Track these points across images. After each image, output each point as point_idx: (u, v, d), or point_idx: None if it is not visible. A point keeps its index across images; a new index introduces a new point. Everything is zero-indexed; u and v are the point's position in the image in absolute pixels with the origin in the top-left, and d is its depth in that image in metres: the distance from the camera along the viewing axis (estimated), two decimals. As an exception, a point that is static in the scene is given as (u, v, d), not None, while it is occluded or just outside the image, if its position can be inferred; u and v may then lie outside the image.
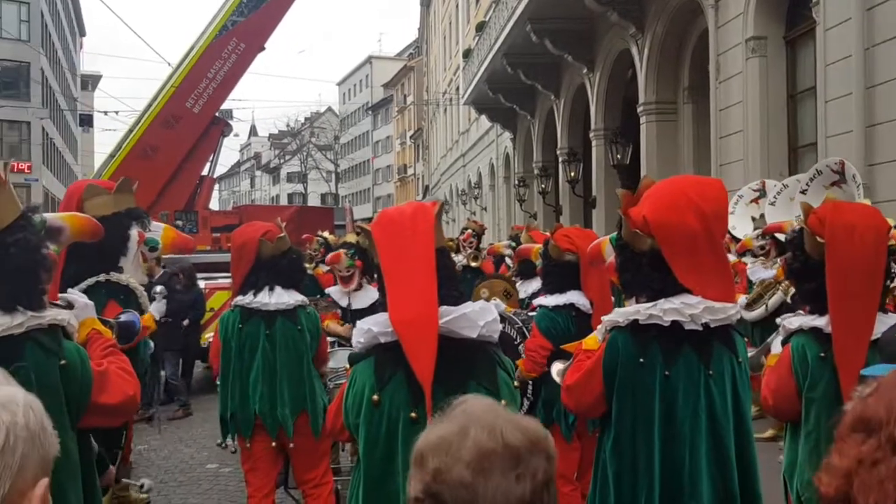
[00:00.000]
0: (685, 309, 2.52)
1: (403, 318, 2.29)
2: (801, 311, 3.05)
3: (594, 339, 2.81)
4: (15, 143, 40.04)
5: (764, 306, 6.60)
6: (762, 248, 7.22)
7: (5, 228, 2.13)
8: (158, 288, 4.81)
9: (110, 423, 2.67)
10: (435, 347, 2.24)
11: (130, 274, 4.27)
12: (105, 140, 60.26)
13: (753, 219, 8.07)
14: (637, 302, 2.65)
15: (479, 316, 2.36)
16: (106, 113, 29.50)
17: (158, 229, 4.77)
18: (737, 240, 7.74)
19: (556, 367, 3.41)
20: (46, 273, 2.31)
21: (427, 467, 1.11)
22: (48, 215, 2.75)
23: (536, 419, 1.19)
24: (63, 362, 2.19)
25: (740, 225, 7.97)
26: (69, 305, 2.71)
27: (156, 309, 4.56)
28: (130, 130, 17.84)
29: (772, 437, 6.14)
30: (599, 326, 2.78)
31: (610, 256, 3.27)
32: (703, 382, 2.56)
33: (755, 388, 2.96)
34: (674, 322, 2.53)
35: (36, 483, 0.88)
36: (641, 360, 2.56)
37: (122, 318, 3.75)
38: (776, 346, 3.18)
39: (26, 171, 38.77)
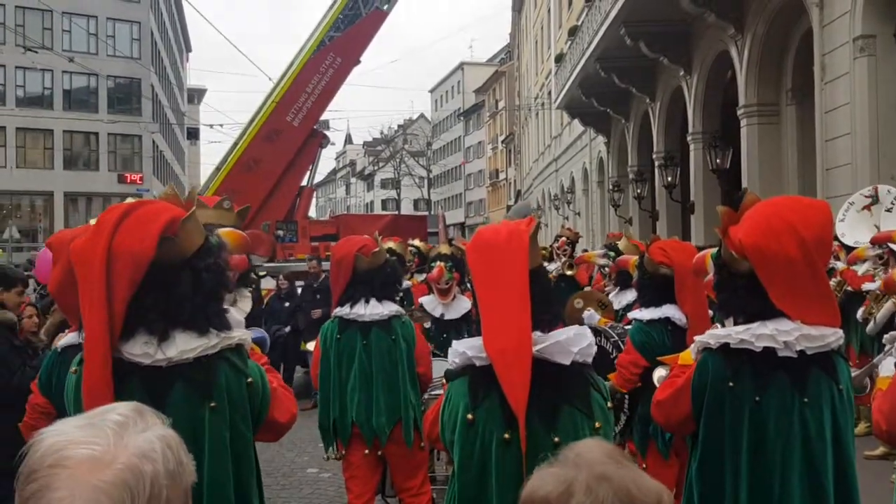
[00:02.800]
0: (779, 335, 2.46)
1: (497, 347, 2.31)
2: None
3: (690, 355, 2.78)
4: (128, 155, 42.39)
5: (872, 321, 6.30)
6: (880, 257, 6.86)
7: (195, 254, 2.18)
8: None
9: (273, 439, 2.74)
10: (528, 378, 2.26)
11: None
12: (210, 151, 63.23)
13: (878, 227, 7.67)
14: (734, 322, 2.60)
15: (573, 342, 2.36)
16: (211, 126, 30.75)
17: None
18: (848, 248, 7.41)
19: (659, 374, 3.38)
20: (228, 293, 2.42)
21: None
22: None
23: (656, 484, 1.16)
24: (249, 380, 2.25)
25: (850, 233, 7.62)
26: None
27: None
28: (235, 144, 18.61)
29: (883, 455, 5.85)
30: (692, 345, 2.74)
31: (712, 271, 3.22)
32: (797, 410, 2.48)
33: (866, 403, 2.84)
34: (767, 347, 2.47)
35: None
36: (731, 384, 2.51)
37: (254, 335, 3.92)
38: (887, 366, 3.03)
39: (138, 182, 41.03)
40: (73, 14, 37.44)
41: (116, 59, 39.60)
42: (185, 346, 2.11)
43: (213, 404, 2.15)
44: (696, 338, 2.68)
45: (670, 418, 2.74)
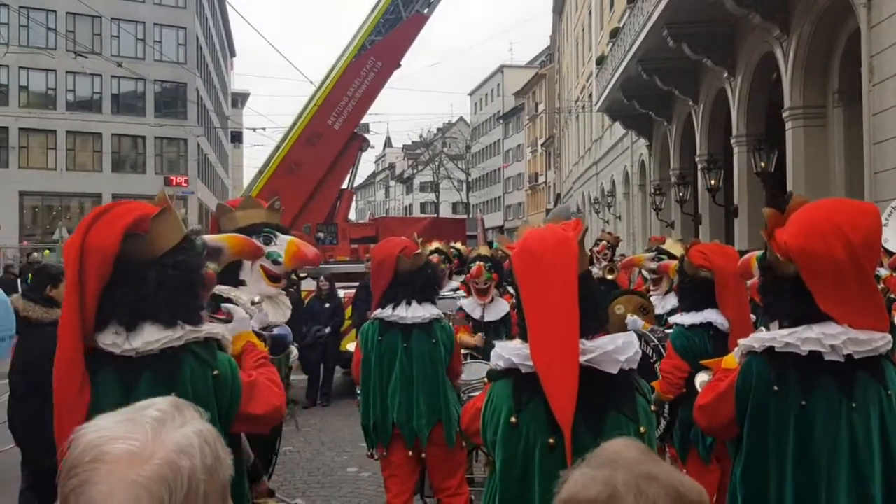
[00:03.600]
0: (825, 339, 2.42)
1: (545, 359, 2.29)
2: None
3: (734, 359, 2.74)
4: (174, 158, 43.20)
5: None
6: None
7: (168, 251, 2.33)
8: (257, 297, 4.89)
9: (257, 431, 2.82)
10: (575, 390, 2.24)
11: (253, 287, 4.48)
12: (253, 155, 63.94)
13: None
14: (779, 326, 2.57)
15: (621, 352, 2.33)
16: (254, 129, 31.49)
17: (284, 242, 4.97)
18: (890, 254, 7.23)
19: (701, 378, 3.35)
20: (204, 290, 2.52)
21: None
22: (209, 237, 2.97)
23: (695, 483, 1.14)
24: (216, 373, 2.34)
25: (894, 238, 7.43)
26: (230, 316, 2.94)
27: (259, 319, 4.67)
28: (277, 147, 18.86)
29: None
30: (736, 349, 2.71)
31: (757, 274, 3.19)
32: (844, 415, 2.44)
33: None
34: (813, 351, 2.44)
35: None
36: (776, 387, 2.48)
37: (276, 331, 3.99)
38: None
39: (183, 184, 41.80)
40: (122, 20, 38.29)
41: (163, 64, 40.42)
42: (150, 337, 2.26)
43: (173, 395, 2.21)
44: (741, 341, 2.65)
45: (713, 422, 2.72)
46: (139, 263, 2.29)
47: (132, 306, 2.26)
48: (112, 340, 2.26)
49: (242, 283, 4.46)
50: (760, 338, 2.56)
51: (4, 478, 6.41)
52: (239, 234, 3.53)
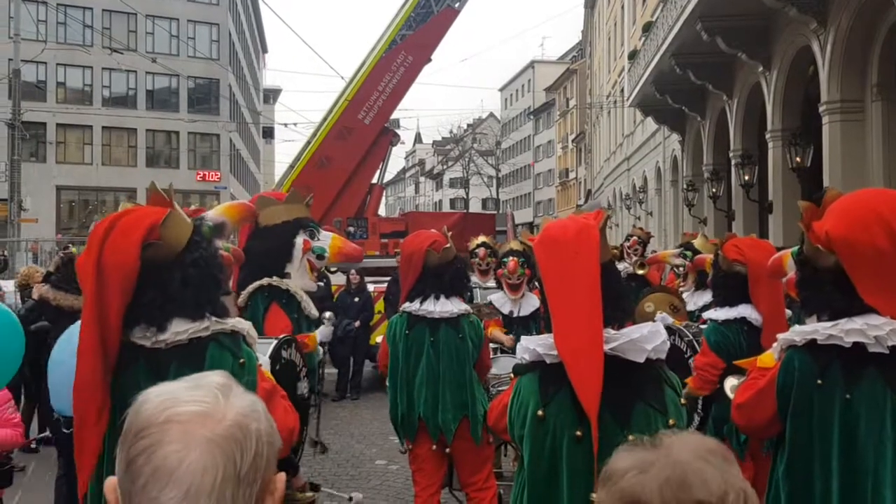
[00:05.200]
0: (869, 330, 2.37)
1: (569, 346, 2.29)
2: None
3: (770, 357, 2.68)
4: (206, 153, 43.71)
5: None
6: None
7: (184, 249, 2.36)
8: (328, 314, 4.93)
9: None
10: (601, 378, 2.23)
11: (297, 280, 4.50)
12: (284, 150, 64.78)
13: None
14: (818, 320, 2.51)
15: (647, 340, 2.32)
16: (286, 125, 31.75)
17: (327, 238, 5.00)
18: None
19: (730, 383, 3.30)
20: (224, 277, 2.55)
21: None
22: (209, 214, 2.91)
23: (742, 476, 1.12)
24: (241, 361, 2.37)
25: None
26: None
27: (322, 333, 4.71)
28: (308, 142, 18.95)
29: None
30: (775, 344, 2.66)
31: (792, 270, 3.13)
32: (889, 408, 2.38)
33: None
34: (856, 343, 2.38)
35: (274, 477, 1.00)
36: (820, 381, 2.43)
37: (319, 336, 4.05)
38: None
39: (216, 179, 42.26)
40: (156, 17, 38.82)
41: (196, 60, 40.88)
42: (178, 328, 2.31)
43: None
44: (780, 336, 2.60)
45: (752, 421, 2.67)
46: (161, 268, 2.32)
47: (161, 307, 2.31)
48: (143, 334, 2.32)
49: (288, 275, 4.50)
50: (802, 331, 2.51)
51: (39, 471, 6.53)
52: (233, 202, 3.55)
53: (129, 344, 2.32)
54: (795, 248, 2.91)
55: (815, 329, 2.46)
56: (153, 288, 2.30)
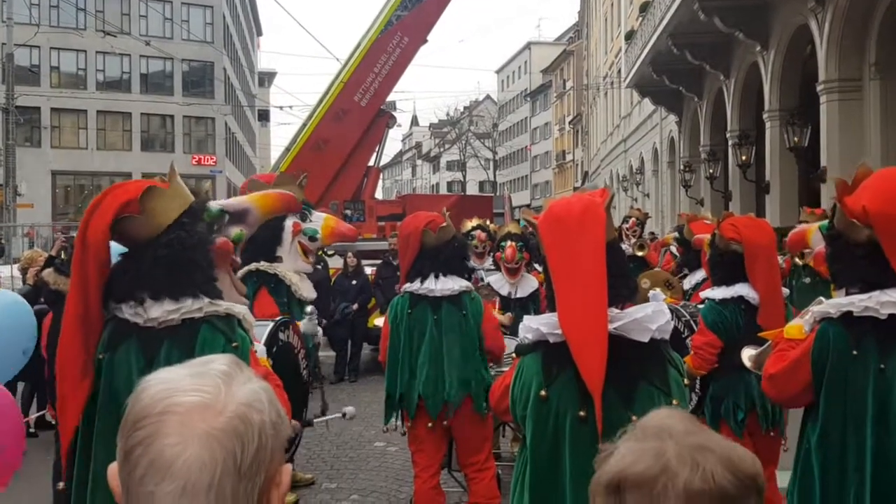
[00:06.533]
0: None
1: (573, 323, 2.27)
2: None
3: (797, 328, 2.73)
4: (202, 137, 43.53)
5: None
6: None
7: (166, 229, 2.35)
8: (309, 308, 4.85)
9: None
10: (605, 357, 2.21)
11: (289, 263, 4.46)
12: (280, 133, 64.39)
13: None
14: (847, 293, 2.57)
15: (652, 320, 2.31)
16: (281, 108, 31.47)
17: (320, 219, 4.93)
18: None
19: (747, 353, 3.32)
20: (220, 259, 2.52)
21: None
22: (232, 200, 2.87)
23: (746, 451, 1.08)
24: (234, 345, 2.35)
25: None
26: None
27: (305, 327, 4.62)
28: (304, 125, 18.84)
29: None
30: (806, 317, 2.70)
31: (817, 245, 3.17)
32: None
33: None
34: (891, 315, 2.43)
35: (280, 468, 0.96)
36: (854, 352, 2.49)
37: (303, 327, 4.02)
38: None
39: (212, 163, 42.10)
40: (150, -1, 38.53)
41: (190, 43, 40.61)
42: (167, 307, 2.33)
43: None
44: (813, 309, 2.66)
45: (784, 392, 2.73)
46: (139, 244, 2.36)
47: (135, 284, 2.34)
48: (133, 311, 2.35)
49: (279, 259, 4.46)
50: (837, 303, 2.56)
51: (37, 454, 6.54)
52: (269, 191, 3.45)
53: (122, 321, 2.35)
54: (824, 223, 2.97)
55: (851, 301, 2.51)
56: (129, 263, 2.35)
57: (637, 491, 1.02)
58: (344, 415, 5.09)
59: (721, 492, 1.00)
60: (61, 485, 2.54)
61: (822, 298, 2.74)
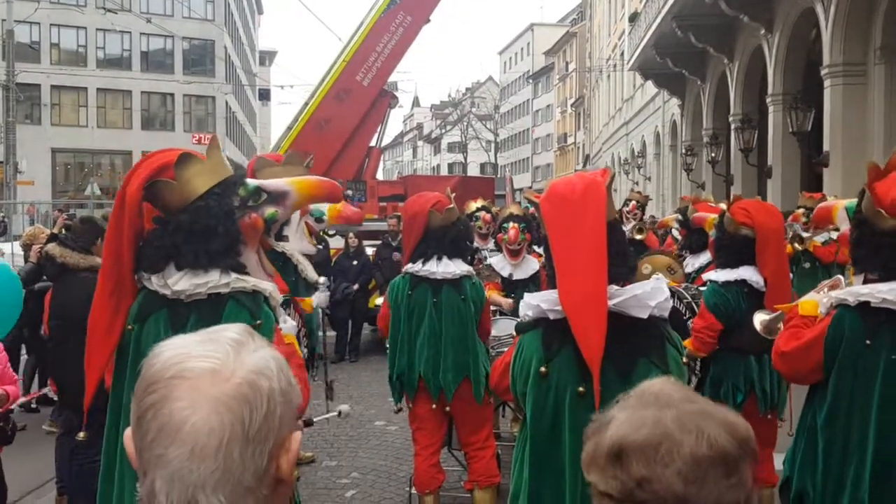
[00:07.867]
0: None
1: (573, 299, 2.29)
2: None
3: (812, 305, 2.78)
4: (202, 116, 43.35)
5: None
6: None
7: (197, 198, 2.36)
8: (322, 279, 4.86)
9: None
10: (604, 331, 2.24)
11: (294, 243, 4.46)
12: (281, 113, 64.05)
13: None
14: (865, 279, 2.61)
15: (650, 297, 2.33)
16: (282, 87, 31.32)
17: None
18: None
19: (759, 317, 3.35)
20: (248, 236, 2.46)
21: (631, 472, 1.03)
22: (272, 181, 2.85)
23: (737, 415, 1.10)
24: (258, 322, 2.33)
25: None
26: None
27: (318, 299, 4.65)
28: (306, 104, 18.74)
29: None
30: (822, 298, 2.75)
31: (842, 224, 3.17)
32: None
33: None
34: None
35: (290, 435, 0.98)
36: (868, 341, 2.54)
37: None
38: None
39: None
40: (150, -24, 38.23)
41: (191, 21, 40.34)
42: (195, 280, 2.35)
43: None
44: (831, 293, 2.71)
45: (795, 370, 2.80)
46: (170, 212, 2.38)
47: (157, 253, 2.38)
48: (161, 282, 2.39)
49: (285, 238, 4.48)
50: (855, 291, 2.60)
51: (39, 430, 6.58)
52: (312, 177, 3.41)
53: (152, 293, 2.40)
54: (851, 202, 3.00)
55: (871, 291, 2.55)
56: (158, 231, 2.39)
57: (641, 456, 1.03)
58: (339, 413, 5.18)
59: (724, 455, 1.03)
60: (82, 434, 2.60)
61: (840, 277, 2.82)
